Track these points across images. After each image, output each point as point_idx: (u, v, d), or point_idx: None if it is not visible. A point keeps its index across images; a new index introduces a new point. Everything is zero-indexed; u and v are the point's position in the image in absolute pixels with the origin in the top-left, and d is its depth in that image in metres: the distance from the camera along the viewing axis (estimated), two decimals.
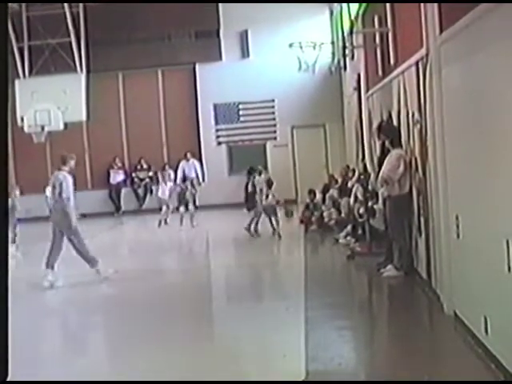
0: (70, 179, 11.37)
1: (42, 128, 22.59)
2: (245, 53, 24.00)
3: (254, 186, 22.95)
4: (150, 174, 24.19)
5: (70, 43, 23.15)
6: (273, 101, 24.02)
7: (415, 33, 8.61)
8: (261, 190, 23.26)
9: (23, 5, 23.33)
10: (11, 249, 13.95)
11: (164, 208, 19.20)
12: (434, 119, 7.72)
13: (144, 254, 14.85)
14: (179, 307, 9.29)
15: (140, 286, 11.11)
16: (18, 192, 17.45)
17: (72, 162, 11.61)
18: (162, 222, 18.92)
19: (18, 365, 5.67)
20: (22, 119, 22.91)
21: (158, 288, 10.79)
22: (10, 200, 16.73)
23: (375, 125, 11.91)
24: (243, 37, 23.92)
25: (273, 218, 15.52)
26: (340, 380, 5.76)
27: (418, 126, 8.77)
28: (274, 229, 15.37)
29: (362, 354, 6.80)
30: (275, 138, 24.28)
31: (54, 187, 11.30)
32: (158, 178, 22.41)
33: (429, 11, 7.67)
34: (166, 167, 23.88)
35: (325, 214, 15.96)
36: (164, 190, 19.61)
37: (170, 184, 20.03)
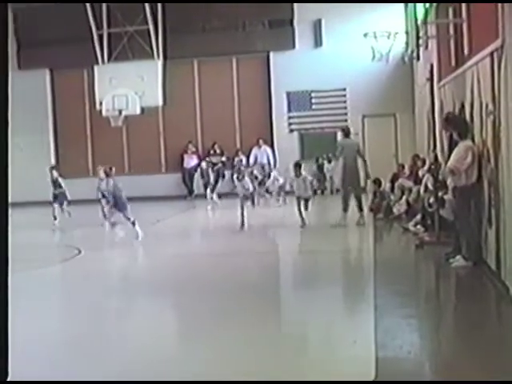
0: None
1: (120, 112, 23.24)
2: (318, 41, 24.13)
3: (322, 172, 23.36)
4: (223, 159, 24.59)
5: (148, 30, 23.68)
6: (344, 89, 24.09)
7: (490, 24, 8.58)
8: (331, 178, 23.60)
9: None
10: None
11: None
12: (508, 110, 7.71)
13: (215, 237, 15.20)
14: (247, 291, 9.40)
15: (211, 267, 11.43)
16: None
17: None
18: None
19: None
20: (101, 103, 23.62)
21: (228, 270, 11.02)
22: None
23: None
24: (316, 26, 24.04)
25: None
26: (411, 378, 5.73)
27: (492, 117, 8.76)
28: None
29: (430, 343, 6.79)
30: None
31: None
32: (232, 163, 23.12)
33: (505, 2, 7.68)
34: (239, 153, 24.34)
35: (393, 204, 16.04)
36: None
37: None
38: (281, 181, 20.86)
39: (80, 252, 13.12)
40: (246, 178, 16.46)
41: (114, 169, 15.41)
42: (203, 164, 21.76)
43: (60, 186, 17.82)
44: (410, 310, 7.79)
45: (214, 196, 21.43)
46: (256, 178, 17.91)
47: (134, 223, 14.24)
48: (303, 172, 15.80)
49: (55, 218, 17.47)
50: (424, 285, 9.95)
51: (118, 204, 14.48)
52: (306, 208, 15.42)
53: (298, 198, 15.45)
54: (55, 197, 17.78)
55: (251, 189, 16.30)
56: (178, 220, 19.17)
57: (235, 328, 7.38)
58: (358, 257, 12.15)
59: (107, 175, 14.76)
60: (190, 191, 24.79)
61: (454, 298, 9.18)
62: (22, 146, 24.47)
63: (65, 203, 17.75)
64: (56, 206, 17.72)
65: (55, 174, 18.10)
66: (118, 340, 7.28)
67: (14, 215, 16.34)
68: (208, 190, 21.35)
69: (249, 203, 16.57)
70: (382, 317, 7.30)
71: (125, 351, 6.72)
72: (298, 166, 15.90)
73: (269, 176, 22.13)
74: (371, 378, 5.47)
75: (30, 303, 9.10)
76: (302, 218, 15.24)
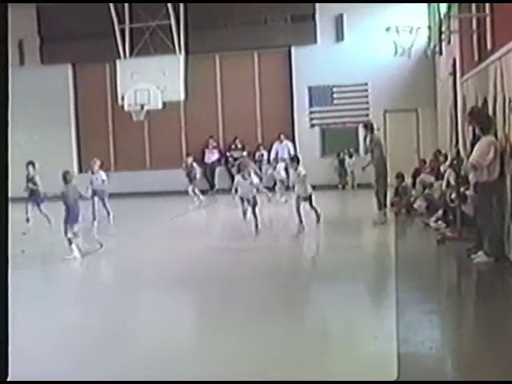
0: None
1: (142, 107, 23.36)
2: (340, 36, 24.11)
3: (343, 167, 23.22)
4: (244, 153, 24.65)
5: (170, 25, 23.76)
6: (366, 84, 24.05)
7: None
8: (352, 172, 23.54)
9: None
10: None
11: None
12: None
13: (235, 231, 15.24)
14: (267, 286, 9.43)
15: (230, 262, 11.47)
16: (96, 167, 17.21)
17: None
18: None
19: None
20: (123, 98, 23.76)
21: (247, 265, 11.06)
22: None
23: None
24: (338, 20, 24.02)
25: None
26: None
27: None
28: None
29: (451, 339, 6.80)
30: None
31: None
32: (253, 158, 23.10)
33: None
34: (260, 148, 24.39)
35: (414, 200, 16.01)
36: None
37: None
38: (282, 174, 20.64)
39: (102, 246, 13.22)
40: (253, 175, 14.98)
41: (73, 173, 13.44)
42: (189, 160, 20.83)
43: (35, 184, 15.38)
44: (432, 306, 7.79)
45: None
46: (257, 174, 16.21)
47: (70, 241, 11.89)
48: (300, 168, 14.30)
49: (28, 220, 15.35)
50: (445, 280, 9.96)
51: (69, 215, 11.86)
52: (312, 206, 14.18)
53: (298, 198, 14.13)
54: (30, 195, 15.46)
55: (254, 191, 14.49)
56: (198, 214, 19.22)
57: (255, 323, 7.41)
58: (380, 252, 12.15)
59: (65, 181, 12.03)
60: (212, 186, 24.88)
61: (475, 293, 9.16)
62: (22, 144, 24.56)
63: (42, 205, 15.31)
64: (29, 206, 15.44)
65: (32, 170, 15.60)
66: (133, 336, 7.28)
67: (34, 208, 15.85)
68: (190, 188, 20.40)
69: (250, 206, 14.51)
70: (403, 312, 7.31)
71: (139, 348, 6.71)
72: (294, 159, 14.79)
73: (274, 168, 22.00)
74: (393, 373, 5.48)
75: (55, 296, 9.23)
76: (301, 222, 13.96)
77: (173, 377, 5.71)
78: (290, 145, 24.39)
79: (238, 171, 14.97)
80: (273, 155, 24.15)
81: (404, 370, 5.54)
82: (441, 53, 16.03)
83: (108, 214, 16.78)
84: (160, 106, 23.58)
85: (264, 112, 25.03)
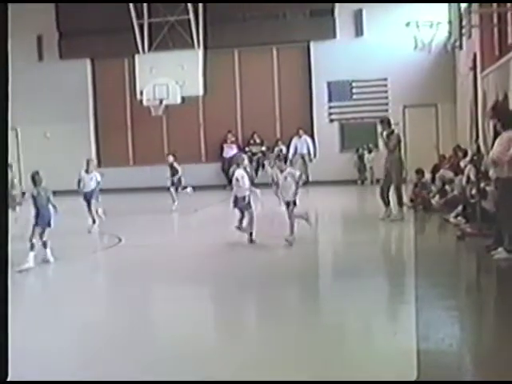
0: None
1: (160, 101, 23.43)
2: (359, 31, 24.06)
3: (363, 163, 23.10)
4: (263, 148, 24.66)
5: (189, 20, 23.80)
6: (385, 79, 23.98)
7: None
8: (371, 168, 23.48)
9: None
10: None
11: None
12: None
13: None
14: (286, 280, 9.43)
15: (248, 257, 11.49)
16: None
17: None
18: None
19: None
20: (141, 93, 23.85)
21: (264, 261, 11.07)
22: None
23: (490, 105, 11.78)
24: (357, 15, 23.97)
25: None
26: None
27: None
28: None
29: (471, 336, 6.75)
30: None
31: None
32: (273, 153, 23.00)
33: None
34: (279, 143, 24.38)
35: (434, 196, 15.94)
36: None
37: None
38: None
39: (120, 240, 13.26)
40: (241, 171, 12.60)
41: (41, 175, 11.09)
42: (170, 159, 18.75)
43: (12, 188, 13.95)
44: (451, 302, 7.76)
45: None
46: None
47: (45, 244, 11.00)
48: (288, 167, 12.58)
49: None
50: (465, 277, 9.90)
51: (39, 218, 10.89)
52: (291, 212, 11.90)
53: (287, 204, 11.98)
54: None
55: (247, 186, 12.48)
56: (216, 209, 19.22)
57: (274, 317, 7.41)
58: (399, 248, 12.11)
59: (35, 183, 10.92)
60: (230, 181, 24.87)
61: (495, 290, 9.11)
62: (49, 135, 24.97)
63: (17, 208, 13.89)
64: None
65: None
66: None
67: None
68: (172, 187, 18.50)
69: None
70: (422, 308, 7.29)
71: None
72: (278, 157, 13.39)
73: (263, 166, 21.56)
74: (413, 369, 5.46)
75: (72, 292, 9.27)
76: (292, 231, 11.96)
77: (178, 375, 5.66)
78: (308, 140, 24.36)
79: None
80: (292, 150, 24.15)
81: (424, 366, 5.51)
82: (461, 47, 15.95)
83: (93, 221, 14.76)
84: (179, 100, 23.65)
85: (283, 107, 25.02)
